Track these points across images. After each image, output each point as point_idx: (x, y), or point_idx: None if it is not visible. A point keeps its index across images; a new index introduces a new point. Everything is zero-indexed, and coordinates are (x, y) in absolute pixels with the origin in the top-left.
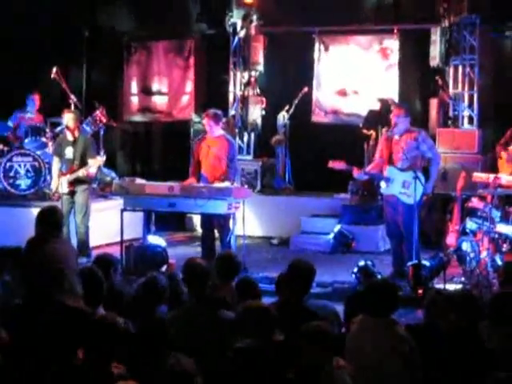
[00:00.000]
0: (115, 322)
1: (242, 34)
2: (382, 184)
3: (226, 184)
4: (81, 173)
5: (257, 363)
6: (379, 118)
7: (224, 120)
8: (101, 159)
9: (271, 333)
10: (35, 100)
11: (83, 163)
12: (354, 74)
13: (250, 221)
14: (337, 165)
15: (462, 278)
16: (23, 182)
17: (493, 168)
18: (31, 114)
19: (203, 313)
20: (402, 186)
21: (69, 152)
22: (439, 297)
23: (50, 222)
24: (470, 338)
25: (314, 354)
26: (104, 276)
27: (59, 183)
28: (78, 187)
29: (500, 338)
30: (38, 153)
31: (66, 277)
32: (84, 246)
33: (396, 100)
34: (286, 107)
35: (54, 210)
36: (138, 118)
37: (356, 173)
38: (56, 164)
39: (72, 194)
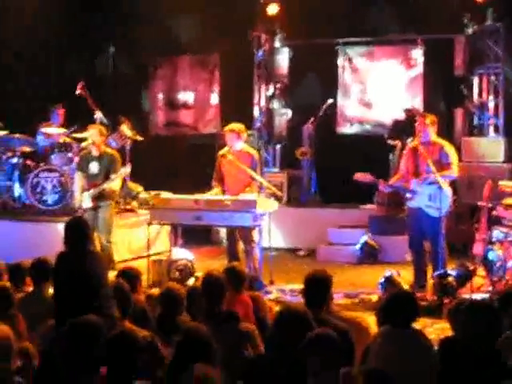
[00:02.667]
0: (136, 337)
1: (266, 46)
2: (408, 196)
3: (251, 196)
4: (105, 185)
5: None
6: (404, 128)
7: (248, 133)
8: (124, 171)
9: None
10: (59, 114)
11: (108, 179)
12: (379, 85)
13: (277, 233)
14: (362, 177)
15: (489, 288)
16: (50, 198)
17: None
18: (55, 127)
19: (219, 324)
20: (428, 199)
21: (93, 167)
22: (459, 307)
23: (77, 234)
24: (488, 349)
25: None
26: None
27: (82, 198)
28: (102, 202)
29: None
30: (65, 168)
31: (94, 294)
32: (108, 261)
33: (421, 110)
34: (312, 119)
35: (79, 222)
36: (164, 131)
37: (382, 186)
38: (79, 179)
39: (96, 209)
